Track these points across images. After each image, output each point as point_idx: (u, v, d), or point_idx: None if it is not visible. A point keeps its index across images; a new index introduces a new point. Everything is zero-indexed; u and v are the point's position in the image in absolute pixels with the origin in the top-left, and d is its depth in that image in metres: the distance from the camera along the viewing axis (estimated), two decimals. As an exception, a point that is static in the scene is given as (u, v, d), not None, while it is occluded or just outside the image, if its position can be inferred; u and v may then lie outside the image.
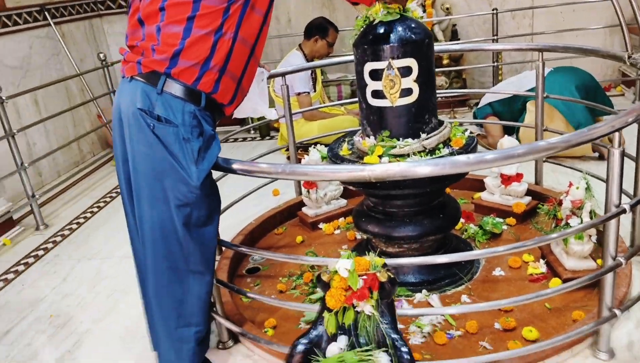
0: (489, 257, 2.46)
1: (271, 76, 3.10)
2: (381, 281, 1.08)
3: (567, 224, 2.18)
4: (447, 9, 4.94)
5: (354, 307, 1.05)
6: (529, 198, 2.82)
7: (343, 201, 3.10)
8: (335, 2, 5.29)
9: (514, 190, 2.81)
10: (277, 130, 4.88)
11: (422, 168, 1.49)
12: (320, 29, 4.02)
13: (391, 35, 2.05)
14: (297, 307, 2.05)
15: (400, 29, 2.06)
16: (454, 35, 4.91)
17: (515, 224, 2.73)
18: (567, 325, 1.97)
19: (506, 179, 2.79)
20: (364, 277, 1.08)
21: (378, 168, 1.50)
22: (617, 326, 1.95)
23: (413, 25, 2.08)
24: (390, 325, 1.06)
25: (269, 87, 4.18)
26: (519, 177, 2.78)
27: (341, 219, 3.01)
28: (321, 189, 3.00)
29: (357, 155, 2.25)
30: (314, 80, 4.04)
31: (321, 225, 2.98)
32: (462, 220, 2.77)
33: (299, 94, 3.86)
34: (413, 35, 2.05)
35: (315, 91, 4.03)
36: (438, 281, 2.30)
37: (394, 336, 1.05)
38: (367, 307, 1.07)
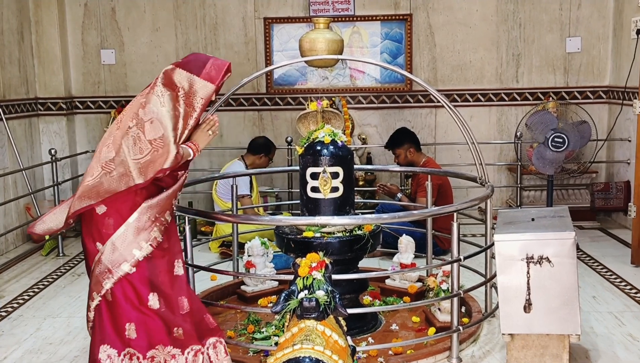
0: (387, 317, 3.98)
1: (214, 179, 4.63)
2: (326, 263, 2.54)
3: (441, 288, 3.76)
4: (364, 138, 6.81)
5: (312, 275, 2.49)
6: (420, 283, 4.39)
7: (275, 282, 4.52)
8: (264, 122, 7.02)
9: (409, 276, 4.39)
10: (205, 233, 6.27)
11: (337, 220, 3.04)
12: (266, 148, 5.71)
13: (326, 150, 3.67)
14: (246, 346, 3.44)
15: (332, 147, 3.69)
16: (368, 161, 6.75)
17: (410, 301, 4.26)
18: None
19: (404, 266, 4.37)
20: (318, 261, 2.53)
21: (323, 219, 3.04)
22: (463, 347, 3.48)
23: (340, 145, 3.72)
24: (328, 284, 2.49)
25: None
26: (412, 265, 4.37)
27: (274, 296, 4.40)
28: (259, 269, 4.42)
29: (297, 232, 3.75)
30: (251, 186, 5.61)
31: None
32: (370, 298, 4.29)
33: (242, 196, 5.37)
34: (340, 152, 3.69)
35: (252, 196, 5.58)
36: (351, 330, 3.74)
37: (330, 288, 2.48)
38: (318, 275, 2.50)
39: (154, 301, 2.74)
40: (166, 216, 2.83)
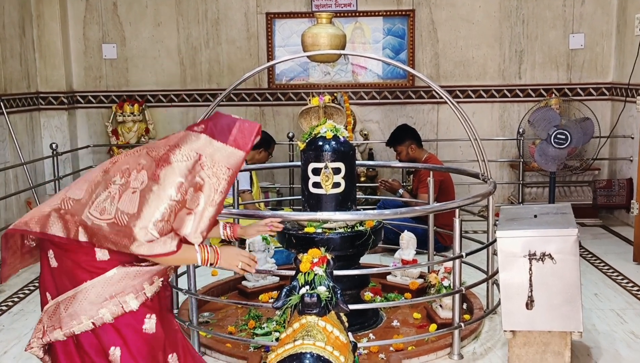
0: (389, 313, 3.97)
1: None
2: (328, 259, 2.54)
3: (442, 285, 3.74)
4: (365, 134, 6.79)
5: (313, 271, 2.48)
6: (422, 279, 4.38)
7: (276, 278, 4.51)
8: (266, 117, 7.01)
9: (411, 272, 4.37)
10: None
11: (339, 216, 3.04)
12: (265, 143, 5.69)
13: (328, 146, 3.66)
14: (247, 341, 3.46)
15: (334, 142, 3.67)
16: (370, 157, 6.73)
17: (411, 298, 4.25)
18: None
19: (405, 263, 4.35)
20: (320, 257, 2.52)
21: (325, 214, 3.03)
22: (465, 344, 3.47)
23: (342, 141, 3.70)
24: (330, 280, 2.49)
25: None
26: (414, 261, 4.35)
27: (275, 292, 4.39)
28: (260, 264, 4.40)
29: (299, 228, 3.74)
30: (252, 181, 5.60)
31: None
32: (371, 294, 4.28)
33: (243, 191, 5.36)
34: (342, 148, 3.67)
35: (252, 191, 5.58)
36: (352, 326, 3.73)
37: (332, 284, 2.48)
38: (320, 270, 2.49)
39: (114, 356, 2.28)
40: (128, 299, 2.26)
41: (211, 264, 2.39)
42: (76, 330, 2.24)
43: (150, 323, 2.31)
